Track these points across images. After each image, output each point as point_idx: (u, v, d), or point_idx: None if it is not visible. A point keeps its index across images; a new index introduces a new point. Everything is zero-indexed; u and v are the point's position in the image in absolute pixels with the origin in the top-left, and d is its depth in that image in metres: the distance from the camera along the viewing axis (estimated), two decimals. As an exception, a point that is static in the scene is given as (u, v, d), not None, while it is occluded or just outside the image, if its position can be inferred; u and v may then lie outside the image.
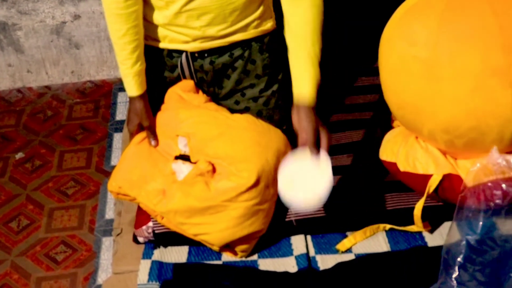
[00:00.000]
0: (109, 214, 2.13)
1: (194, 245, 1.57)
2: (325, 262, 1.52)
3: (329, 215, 1.60)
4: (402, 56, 1.48)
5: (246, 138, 1.57)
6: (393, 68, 1.52)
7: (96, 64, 2.71)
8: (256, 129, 1.60)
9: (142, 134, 1.66)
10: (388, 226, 1.58)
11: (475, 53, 1.38)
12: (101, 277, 1.93)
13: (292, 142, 1.70)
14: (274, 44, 1.71)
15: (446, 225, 1.58)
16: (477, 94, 1.39)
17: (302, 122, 1.50)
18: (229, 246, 1.53)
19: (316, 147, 1.46)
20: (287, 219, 1.60)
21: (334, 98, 2.06)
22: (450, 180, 1.52)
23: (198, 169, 1.51)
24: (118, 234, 1.69)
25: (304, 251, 1.53)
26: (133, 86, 1.65)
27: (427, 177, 1.53)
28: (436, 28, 1.42)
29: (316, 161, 1.42)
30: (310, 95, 1.52)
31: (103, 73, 2.75)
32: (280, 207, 1.61)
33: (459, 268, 1.34)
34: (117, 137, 2.43)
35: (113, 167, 2.26)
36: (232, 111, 1.75)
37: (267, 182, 1.52)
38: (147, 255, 1.56)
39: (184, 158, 1.58)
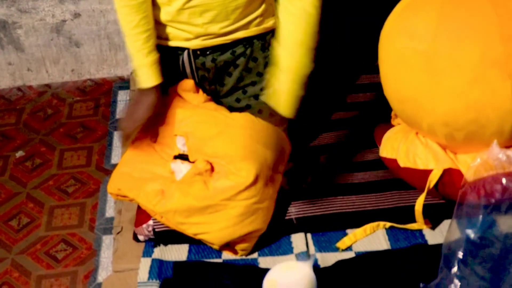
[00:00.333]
0: (110, 212, 2.13)
1: (194, 243, 1.57)
2: (325, 260, 1.52)
3: (329, 213, 1.60)
4: (402, 50, 1.48)
5: (244, 137, 1.57)
6: (393, 62, 1.52)
7: (96, 62, 2.71)
8: (255, 127, 1.60)
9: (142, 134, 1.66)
10: (388, 224, 1.58)
11: (474, 44, 1.38)
12: (102, 275, 1.93)
13: (291, 139, 1.70)
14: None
15: (446, 223, 1.58)
16: (476, 86, 1.39)
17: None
18: (229, 245, 1.53)
19: None
20: (287, 217, 1.61)
21: (335, 96, 2.06)
22: (450, 175, 1.52)
23: (197, 168, 1.51)
24: (118, 232, 1.69)
25: (304, 249, 1.53)
26: (150, 76, 1.60)
27: (427, 172, 1.53)
28: (435, 21, 1.42)
29: (303, 275, 1.40)
30: (280, 106, 1.57)
31: (103, 71, 2.75)
32: (280, 206, 1.61)
33: (459, 263, 1.34)
34: (117, 136, 2.43)
35: (113, 165, 2.26)
36: (233, 108, 1.75)
37: (266, 181, 1.52)
38: (147, 253, 1.56)
39: (183, 157, 1.58)
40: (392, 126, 1.76)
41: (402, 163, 1.59)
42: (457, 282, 1.33)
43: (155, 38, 1.63)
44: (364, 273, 1.47)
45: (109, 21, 2.59)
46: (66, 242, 2.06)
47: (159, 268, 1.51)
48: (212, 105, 1.72)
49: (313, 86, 2.11)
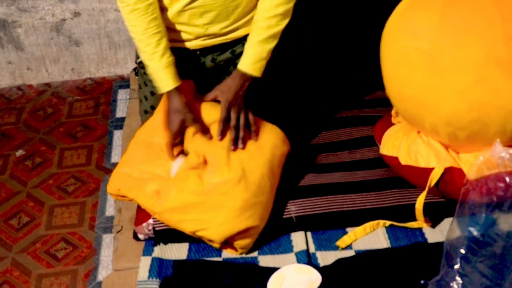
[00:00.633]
0: (110, 211, 2.13)
1: (194, 242, 1.57)
2: (325, 258, 1.52)
3: (329, 211, 1.60)
4: (405, 49, 1.48)
5: None
6: (395, 61, 1.52)
7: (96, 61, 2.71)
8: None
9: (141, 134, 1.66)
10: (388, 223, 1.58)
11: (477, 44, 1.38)
12: (102, 274, 1.93)
13: (291, 139, 1.70)
14: None
15: (446, 221, 1.58)
16: (480, 85, 1.39)
17: (227, 79, 1.60)
18: (229, 243, 1.54)
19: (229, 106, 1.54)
20: (287, 216, 1.61)
21: (335, 95, 2.07)
22: (451, 174, 1.52)
23: (189, 163, 1.52)
24: (118, 231, 1.69)
25: (304, 247, 1.53)
26: (167, 79, 1.58)
27: (428, 171, 1.53)
28: (438, 20, 1.42)
29: (312, 281, 1.42)
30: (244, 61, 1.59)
31: (103, 70, 2.75)
32: (279, 204, 1.61)
33: (461, 260, 1.34)
34: (117, 134, 2.43)
35: (113, 164, 2.27)
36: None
37: (261, 174, 1.52)
38: (147, 252, 1.56)
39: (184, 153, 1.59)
40: (392, 124, 1.76)
41: (403, 161, 1.59)
42: (459, 279, 1.33)
43: (167, 41, 1.60)
44: (364, 272, 1.47)
45: (109, 20, 2.59)
46: (66, 241, 2.06)
47: (159, 267, 1.51)
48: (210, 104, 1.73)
49: (313, 86, 2.12)
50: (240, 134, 1.57)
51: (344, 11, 2.30)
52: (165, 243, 1.58)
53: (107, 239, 2.03)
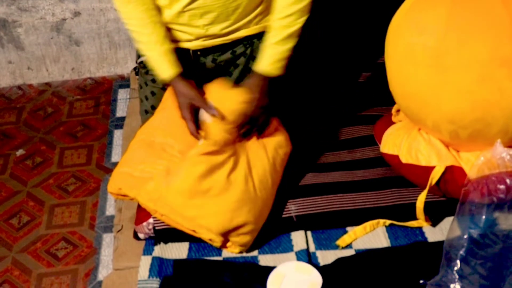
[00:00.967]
0: (110, 210, 2.13)
1: (195, 241, 1.57)
2: (325, 257, 1.52)
3: (329, 210, 1.61)
4: (410, 45, 1.47)
5: None
6: (400, 57, 1.52)
7: (96, 61, 2.71)
8: None
9: (142, 134, 1.66)
10: (388, 222, 1.58)
11: (484, 42, 1.37)
12: (102, 273, 1.93)
13: (291, 137, 1.70)
14: None
15: (447, 220, 1.58)
16: (484, 84, 1.39)
17: (247, 82, 1.59)
18: (229, 240, 1.53)
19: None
20: (287, 215, 1.61)
21: (335, 94, 2.06)
22: (452, 173, 1.52)
23: (202, 148, 1.51)
24: (118, 231, 1.69)
25: (304, 246, 1.54)
26: (168, 65, 1.59)
27: (429, 169, 1.53)
28: (446, 17, 1.41)
29: (313, 281, 1.42)
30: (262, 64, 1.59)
31: (103, 70, 2.75)
32: (279, 203, 1.61)
33: (460, 261, 1.34)
34: (118, 134, 2.43)
35: (114, 163, 2.27)
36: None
37: (264, 169, 1.54)
38: (147, 251, 1.56)
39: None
40: (392, 123, 1.76)
41: (404, 159, 1.59)
42: (458, 281, 1.33)
43: (165, 30, 1.61)
44: (364, 271, 1.47)
45: (109, 19, 2.59)
46: (67, 240, 2.06)
47: (160, 266, 1.51)
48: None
49: (313, 85, 2.12)
50: (254, 130, 1.60)
51: (353, 8, 2.29)
52: (166, 242, 1.58)
53: (108, 239, 2.04)
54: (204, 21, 1.61)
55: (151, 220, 1.58)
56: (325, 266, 1.50)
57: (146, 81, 1.80)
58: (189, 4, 1.56)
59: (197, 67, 1.71)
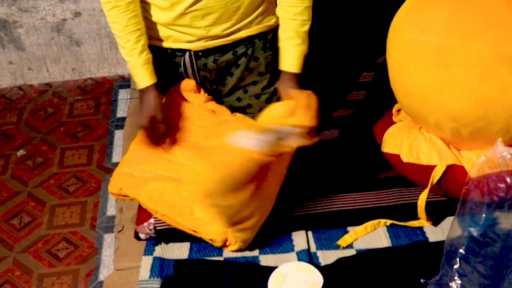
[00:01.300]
0: (111, 210, 2.13)
1: (196, 241, 1.57)
2: (326, 257, 1.52)
3: (330, 210, 1.61)
4: (413, 42, 1.47)
5: None
6: (402, 54, 1.52)
7: (96, 61, 2.72)
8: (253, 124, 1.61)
9: (143, 134, 1.66)
10: (389, 222, 1.58)
11: (486, 40, 1.37)
12: (103, 274, 1.93)
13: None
14: (277, 41, 1.72)
15: (447, 220, 1.58)
16: (487, 82, 1.39)
17: (284, 87, 1.64)
18: (228, 240, 1.53)
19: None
20: (287, 215, 1.61)
21: (335, 94, 2.06)
22: (453, 171, 1.52)
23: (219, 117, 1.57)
24: (119, 231, 1.69)
25: (305, 246, 1.54)
26: (144, 76, 1.62)
27: (430, 168, 1.53)
28: (448, 14, 1.41)
29: (313, 282, 1.42)
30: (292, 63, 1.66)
31: (104, 70, 2.75)
32: (280, 204, 1.61)
33: (461, 260, 1.34)
34: (118, 134, 2.43)
35: (114, 164, 2.27)
36: (234, 108, 1.75)
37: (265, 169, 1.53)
38: (148, 251, 1.56)
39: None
40: (393, 123, 1.76)
41: (405, 159, 1.59)
42: (458, 279, 1.33)
43: (146, 39, 1.64)
44: (365, 271, 1.47)
45: (110, 20, 2.59)
46: (68, 241, 2.06)
47: (161, 266, 1.51)
48: (213, 104, 1.73)
49: (313, 85, 2.12)
50: None
51: (353, 8, 2.29)
52: (166, 242, 1.58)
53: (108, 239, 2.04)
54: (205, 22, 1.61)
55: (152, 220, 1.58)
56: (326, 266, 1.50)
57: (146, 81, 1.80)
58: (191, 5, 1.57)
59: (198, 67, 1.72)
